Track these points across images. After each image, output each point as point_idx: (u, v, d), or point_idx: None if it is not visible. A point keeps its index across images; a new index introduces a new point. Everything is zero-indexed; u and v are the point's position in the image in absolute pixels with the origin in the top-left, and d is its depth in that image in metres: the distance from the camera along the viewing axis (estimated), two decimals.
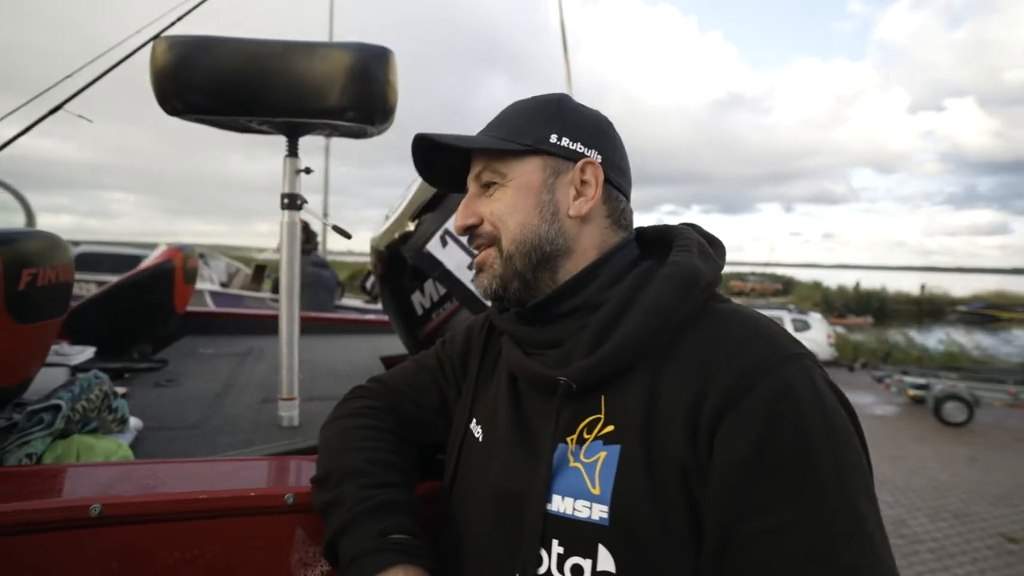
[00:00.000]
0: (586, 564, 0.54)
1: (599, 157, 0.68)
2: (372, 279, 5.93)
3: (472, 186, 0.72)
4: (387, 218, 1.60)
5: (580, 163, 0.67)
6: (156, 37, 1.13)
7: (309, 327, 2.55)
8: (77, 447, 0.96)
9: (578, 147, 0.67)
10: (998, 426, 7.46)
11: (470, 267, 1.50)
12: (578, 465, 0.58)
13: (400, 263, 1.51)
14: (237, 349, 2.19)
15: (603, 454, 0.57)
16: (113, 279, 2.06)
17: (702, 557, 0.52)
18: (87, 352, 1.62)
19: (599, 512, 0.55)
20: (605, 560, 0.53)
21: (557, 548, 0.56)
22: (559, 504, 0.57)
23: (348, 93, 1.15)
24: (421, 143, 0.71)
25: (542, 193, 0.67)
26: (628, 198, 0.72)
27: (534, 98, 0.72)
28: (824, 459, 0.50)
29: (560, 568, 0.55)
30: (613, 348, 0.58)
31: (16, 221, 2.42)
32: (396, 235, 1.51)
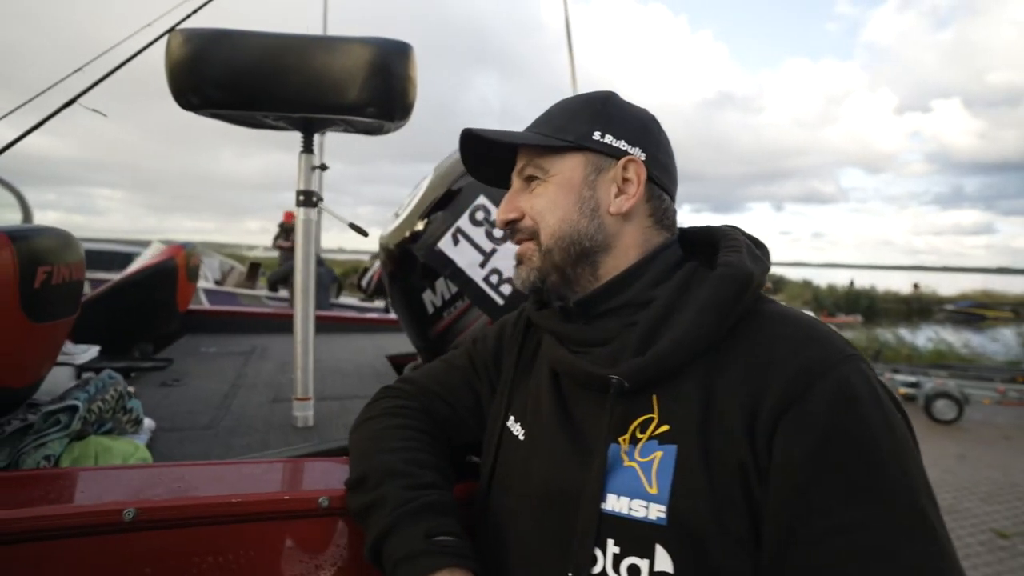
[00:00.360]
0: (643, 564, 0.54)
1: (643, 155, 0.68)
2: (368, 276, 5.90)
3: (515, 182, 0.72)
4: (396, 216, 1.59)
5: (622, 161, 0.67)
6: (171, 30, 1.11)
7: None
8: (95, 449, 0.94)
9: (621, 145, 0.68)
10: (987, 423, 7.56)
11: (482, 265, 1.49)
12: (633, 464, 0.57)
13: (410, 261, 1.50)
14: (240, 348, 2.16)
15: (659, 454, 0.56)
16: (103, 276, 2.02)
17: (761, 557, 0.51)
18: (91, 351, 1.59)
19: (656, 512, 0.54)
20: (663, 560, 0.53)
21: (613, 548, 0.55)
22: (614, 503, 0.57)
23: (368, 88, 1.13)
24: (468, 139, 0.71)
25: (583, 189, 0.68)
26: (673, 198, 0.72)
27: (581, 95, 0.72)
28: (887, 459, 0.50)
29: (616, 568, 0.55)
30: (667, 347, 0.58)
31: (13, 218, 2.38)
32: (406, 233, 1.50)
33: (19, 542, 0.61)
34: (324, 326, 2.68)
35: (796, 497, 0.50)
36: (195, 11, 1.17)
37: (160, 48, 1.15)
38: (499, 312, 1.46)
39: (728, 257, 0.62)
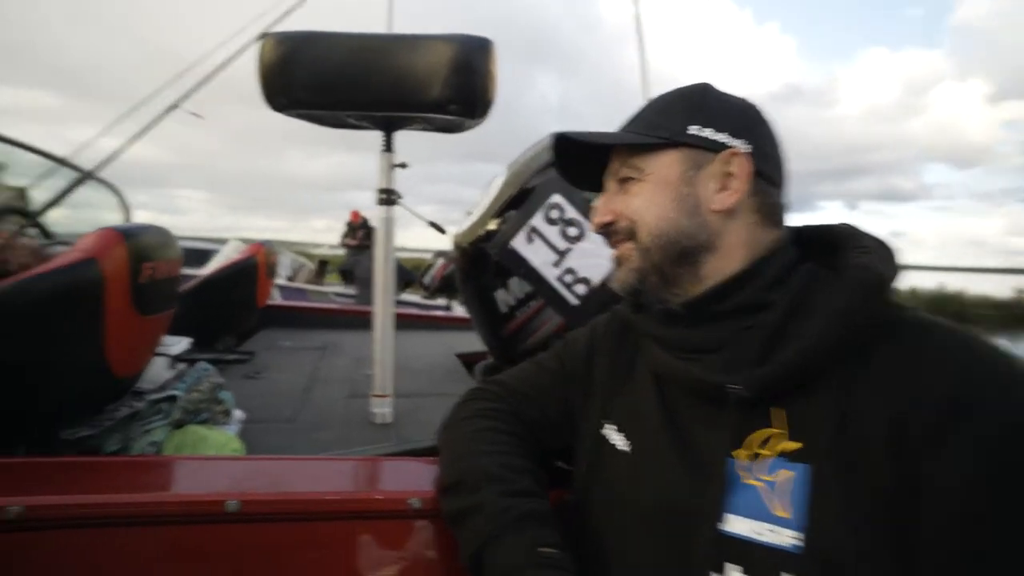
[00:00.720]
0: None
1: (747, 148, 0.64)
2: (430, 274, 6.00)
3: (610, 184, 0.70)
4: (469, 215, 1.59)
5: (723, 154, 0.63)
6: (264, 35, 1.14)
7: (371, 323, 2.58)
8: (192, 438, 0.98)
9: (722, 137, 0.64)
10: None
11: (556, 264, 1.47)
12: (756, 483, 0.53)
13: (484, 260, 1.50)
14: (314, 343, 2.23)
15: (789, 474, 0.52)
16: (185, 272, 2.12)
17: None
18: (184, 343, 1.67)
19: (790, 538, 0.50)
20: None
21: (736, 575, 0.51)
22: (735, 525, 0.53)
23: (450, 85, 1.13)
24: (561, 142, 0.70)
25: (681, 187, 0.64)
26: (782, 192, 0.67)
27: (675, 90, 0.69)
28: None
29: None
30: (797, 356, 0.53)
31: (115, 218, 2.57)
32: (480, 232, 1.49)
33: (127, 525, 0.64)
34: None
35: (963, 529, 0.45)
36: (286, 13, 1.20)
37: (238, 53, 1.19)
38: (573, 312, 1.44)
39: (860, 259, 0.57)
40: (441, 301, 6.48)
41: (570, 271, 1.46)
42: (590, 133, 0.68)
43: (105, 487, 0.67)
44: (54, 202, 1.33)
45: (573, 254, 1.45)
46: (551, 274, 1.45)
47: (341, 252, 8.64)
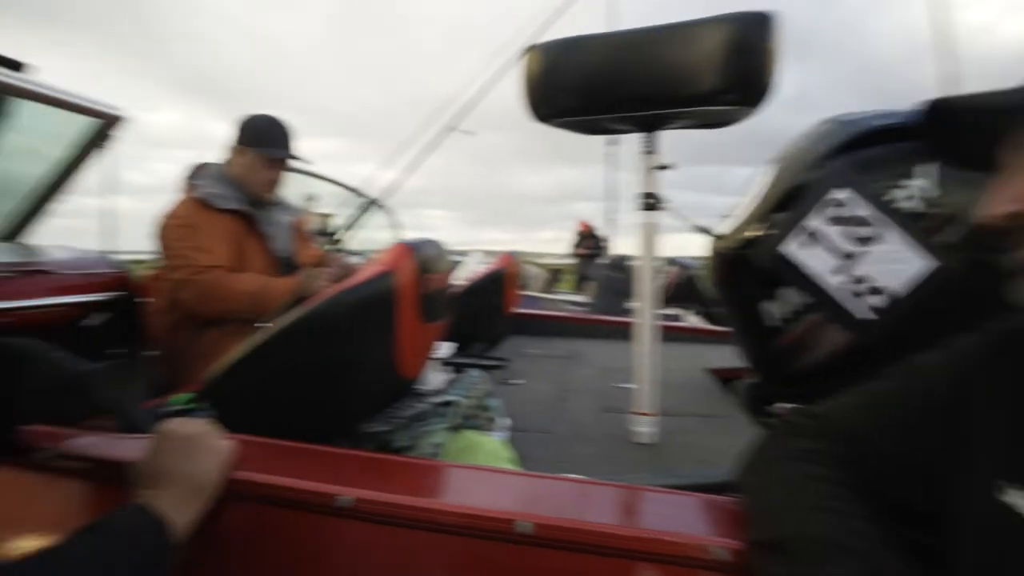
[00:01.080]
0: None
1: None
2: (667, 283, 5.77)
3: (1013, 159, 0.51)
4: (731, 217, 1.43)
5: None
6: (529, 48, 1.16)
7: (612, 332, 2.53)
8: (467, 443, 1.01)
9: None
10: None
11: (841, 271, 1.23)
12: None
13: (746, 268, 1.33)
14: (557, 351, 2.26)
15: None
16: None
17: None
18: (450, 348, 1.82)
19: None
20: None
21: None
22: None
23: (722, 73, 1.01)
24: (939, 111, 0.53)
25: None
26: None
27: None
28: None
29: None
30: None
31: (389, 237, 3.02)
32: (743, 236, 1.33)
33: (435, 530, 0.65)
34: (625, 332, 2.65)
35: None
36: (543, 25, 1.21)
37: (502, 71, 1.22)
38: (864, 327, 1.18)
39: None
40: (672, 311, 6.21)
41: (860, 279, 1.20)
42: (986, 95, 0.51)
43: (411, 488, 0.71)
44: (351, 224, 1.55)
45: (864, 259, 1.19)
46: (833, 283, 1.22)
47: (568, 261, 8.97)
